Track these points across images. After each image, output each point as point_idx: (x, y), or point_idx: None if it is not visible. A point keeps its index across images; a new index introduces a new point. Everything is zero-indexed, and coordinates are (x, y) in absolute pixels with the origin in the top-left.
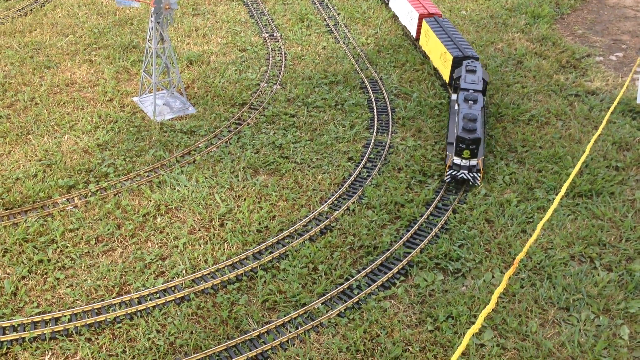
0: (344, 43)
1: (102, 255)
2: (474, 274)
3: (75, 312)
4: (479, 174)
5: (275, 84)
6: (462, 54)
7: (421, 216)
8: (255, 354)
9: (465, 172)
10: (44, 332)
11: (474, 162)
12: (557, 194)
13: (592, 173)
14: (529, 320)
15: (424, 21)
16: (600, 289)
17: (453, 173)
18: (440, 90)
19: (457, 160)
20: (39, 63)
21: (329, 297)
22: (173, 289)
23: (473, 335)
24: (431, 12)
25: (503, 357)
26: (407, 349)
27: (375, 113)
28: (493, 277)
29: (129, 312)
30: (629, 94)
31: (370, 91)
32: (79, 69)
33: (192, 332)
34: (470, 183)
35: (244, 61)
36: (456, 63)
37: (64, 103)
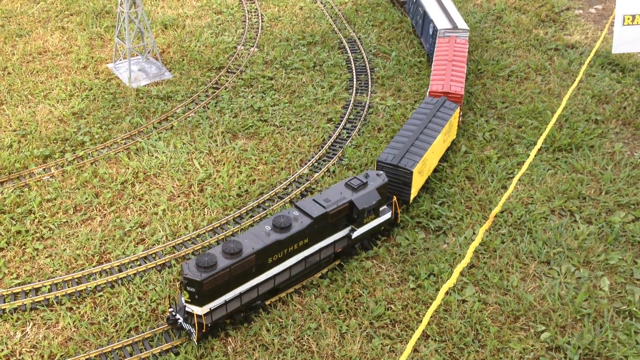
0: (321, 3)
1: (81, 224)
2: (455, 231)
3: (55, 282)
4: (198, 330)
5: (253, 46)
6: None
7: None
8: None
9: (181, 318)
10: (25, 302)
11: (195, 309)
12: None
13: (572, 127)
14: (510, 275)
15: None
16: (581, 241)
17: (171, 311)
18: (419, 48)
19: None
20: (10, 32)
21: None
22: (154, 255)
23: (455, 291)
24: None
25: (485, 312)
26: (389, 308)
27: (354, 73)
28: (474, 233)
29: (109, 280)
30: (607, 47)
31: (349, 51)
32: (51, 37)
33: (173, 299)
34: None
35: (220, 24)
36: None
37: (37, 72)
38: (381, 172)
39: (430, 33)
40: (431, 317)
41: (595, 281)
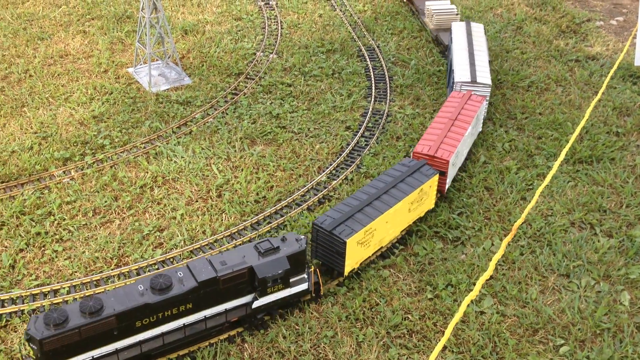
0: (340, 10)
1: (100, 227)
2: (473, 241)
3: (74, 284)
4: None
5: (272, 53)
6: None
7: None
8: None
9: None
10: (43, 304)
11: None
12: (555, 162)
13: (593, 139)
14: (528, 287)
15: None
16: (601, 255)
17: None
18: (439, 57)
19: None
20: (32, 35)
21: None
22: (172, 260)
23: (473, 302)
24: None
25: (503, 324)
26: (406, 317)
27: (373, 81)
28: (492, 244)
29: (127, 283)
30: (629, 59)
31: (368, 59)
32: (72, 40)
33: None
34: None
35: (239, 30)
36: None
37: (58, 75)
38: (303, 237)
39: (451, 84)
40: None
41: (616, 295)
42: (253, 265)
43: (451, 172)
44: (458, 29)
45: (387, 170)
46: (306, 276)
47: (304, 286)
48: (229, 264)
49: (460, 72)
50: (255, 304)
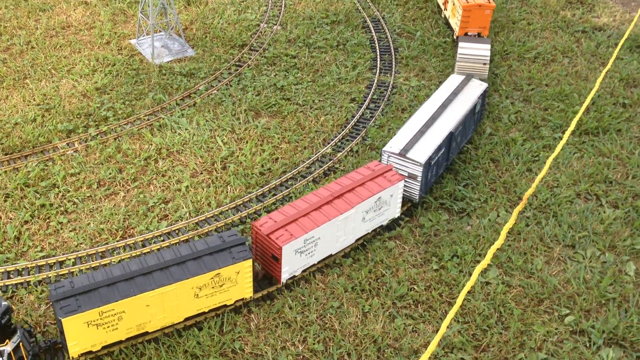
0: None
1: (105, 199)
2: (479, 213)
3: (79, 255)
4: None
5: (276, 24)
6: None
7: None
8: (260, 295)
9: None
10: (49, 275)
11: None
12: (563, 132)
13: (599, 110)
14: (534, 258)
15: None
16: (606, 226)
17: None
18: (444, 29)
19: None
20: (33, 6)
21: None
22: (177, 231)
23: (479, 273)
24: None
25: (508, 295)
26: (412, 288)
27: (378, 53)
28: (498, 215)
29: (133, 255)
30: (637, 30)
31: (373, 30)
32: (74, 12)
33: None
34: None
35: (242, 1)
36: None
37: (60, 46)
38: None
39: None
40: (454, 299)
41: (621, 266)
42: None
43: (299, 261)
44: (448, 85)
45: (194, 241)
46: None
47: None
48: None
49: (395, 140)
50: None
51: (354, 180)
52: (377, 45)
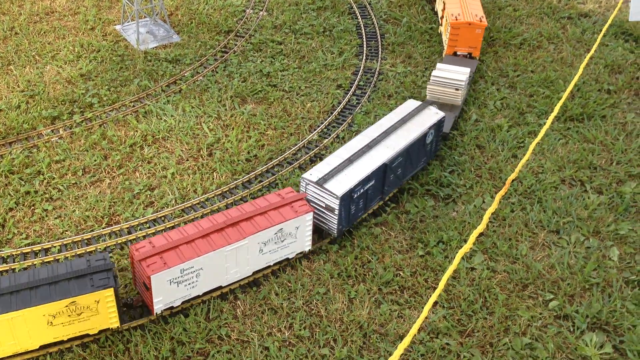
0: None
1: (90, 186)
2: (465, 199)
3: (65, 242)
4: None
5: (262, 10)
6: None
7: None
8: (246, 281)
9: None
10: (34, 263)
11: None
12: (548, 118)
13: (584, 97)
14: (519, 244)
15: None
16: (591, 211)
17: None
18: (431, 15)
19: None
20: None
21: None
22: (163, 218)
23: (464, 259)
24: None
25: (493, 280)
26: (397, 274)
27: (365, 39)
28: (484, 202)
29: (119, 242)
30: (621, 16)
31: (359, 17)
32: None
33: None
34: None
35: None
36: None
37: (44, 32)
38: None
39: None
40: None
41: (605, 251)
42: None
43: (176, 292)
44: (400, 110)
45: (57, 264)
46: None
47: None
48: None
49: (319, 167)
50: None
51: (257, 207)
52: (363, 31)
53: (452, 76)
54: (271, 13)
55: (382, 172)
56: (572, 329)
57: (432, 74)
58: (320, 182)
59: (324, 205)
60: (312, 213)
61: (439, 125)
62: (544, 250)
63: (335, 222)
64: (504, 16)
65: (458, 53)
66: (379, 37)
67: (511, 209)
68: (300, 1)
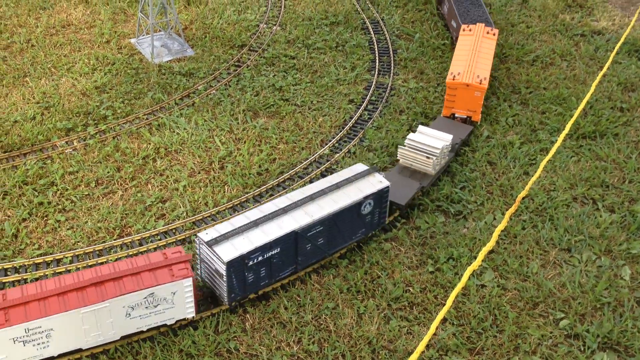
0: None
1: (103, 197)
2: (476, 215)
3: (76, 253)
4: None
5: (275, 25)
6: None
7: None
8: (255, 295)
9: None
10: (46, 273)
11: None
12: (560, 136)
13: (597, 114)
14: (530, 261)
15: None
16: (603, 230)
17: None
18: (443, 31)
19: None
20: (34, 4)
21: None
22: (174, 231)
23: (474, 276)
24: None
25: (503, 298)
26: (407, 290)
27: (377, 54)
28: (494, 218)
29: (130, 253)
30: (635, 34)
31: (372, 32)
32: (75, 10)
33: None
34: None
35: (242, 1)
36: None
37: (60, 45)
38: None
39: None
40: (447, 301)
41: (616, 270)
42: None
43: (23, 351)
44: (343, 173)
45: None
46: None
47: None
48: None
49: (220, 226)
50: None
51: (132, 266)
52: (376, 46)
53: (427, 142)
54: (284, 28)
55: (293, 241)
56: (582, 349)
57: (407, 137)
58: (211, 244)
59: (214, 269)
60: (191, 278)
61: (380, 195)
62: (555, 268)
63: (225, 289)
64: (516, 33)
65: (456, 115)
66: (391, 52)
67: (522, 227)
68: (313, 16)
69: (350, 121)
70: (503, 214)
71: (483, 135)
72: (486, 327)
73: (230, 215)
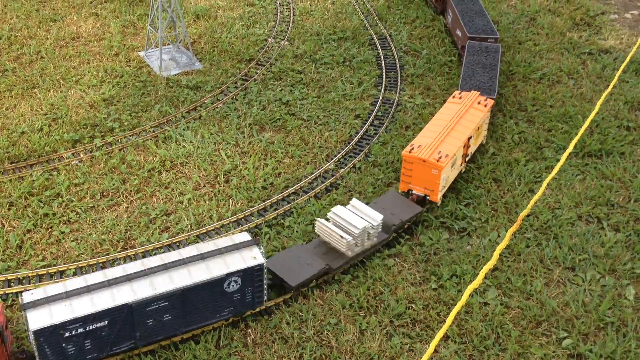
0: None
1: (107, 209)
2: (480, 233)
3: (80, 265)
4: None
5: (283, 39)
6: None
7: None
8: (258, 310)
9: None
10: (50, 284)
11: None
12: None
13: (603, 133)
14: (533, 280)
15: None
16: (607, 249)
17: None
18: (450, 47)
19: None
20: (44, 16)
21: None
22: (178, 244)
23: (477, 293)
24: None
25: (506, 316)
26: (410, 307)
27: (384, 70)
28: (499, 236)
29: None
30: None
31: (379, 48)
32: (84, 23)
33: None
34: None
35: (251, 16)
36: None
37: (69, 57)
38: None
39: None
40: (447, 318)
41: (621, 290)
42: None
43: None
44: (221, 242)
45: None
46: None
47: None
48: None
49: (44, 288)
50: None
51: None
52: (383, 62)
53: (350, 219)
54: (292, 42)
55: (127, 314)
56: None
57: (332, 209)
58: (26, 307)
59: (29, 335)
60: None
61: (251, 273)
62: (559, 287)
63: None
64: (523, 50)
65: (413, 192)
66: (398, 68)
67: (526, 244)
68: (321, 31)
69: (356, 136)
70: (507, 231)
71: (488, 152)
72: (489, 345)
73: (234, 229)
